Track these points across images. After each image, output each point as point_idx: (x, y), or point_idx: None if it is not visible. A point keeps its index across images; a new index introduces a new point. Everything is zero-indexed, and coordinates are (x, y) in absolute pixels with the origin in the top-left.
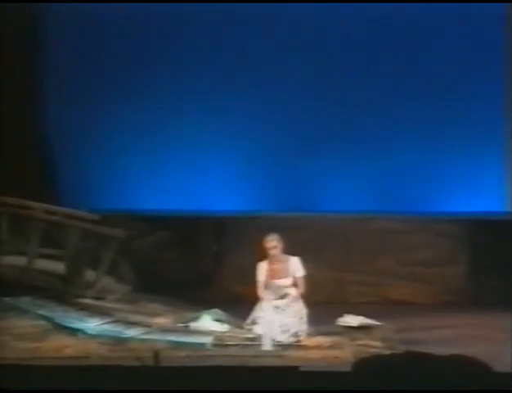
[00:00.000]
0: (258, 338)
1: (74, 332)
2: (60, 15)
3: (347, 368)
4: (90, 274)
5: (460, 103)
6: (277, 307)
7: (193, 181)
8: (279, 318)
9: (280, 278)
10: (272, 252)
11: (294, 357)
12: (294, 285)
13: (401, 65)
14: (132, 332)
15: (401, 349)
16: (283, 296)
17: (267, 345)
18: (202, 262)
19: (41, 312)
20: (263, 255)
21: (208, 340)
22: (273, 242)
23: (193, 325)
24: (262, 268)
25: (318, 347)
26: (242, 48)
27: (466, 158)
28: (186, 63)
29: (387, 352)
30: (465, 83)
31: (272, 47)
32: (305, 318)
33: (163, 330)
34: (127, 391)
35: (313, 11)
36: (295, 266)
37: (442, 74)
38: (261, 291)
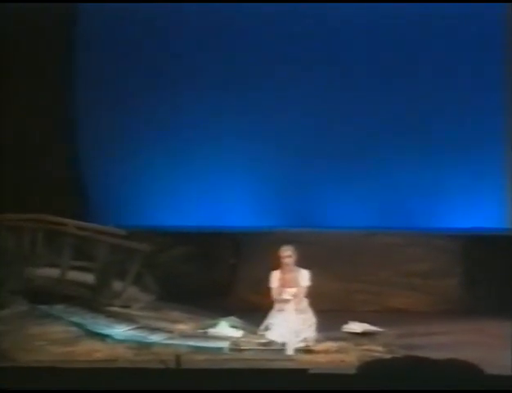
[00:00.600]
0: (270, 343)
1: (103, 337)
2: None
3: (352, 371)
4: (117, 285)
5: (459, 117)
6: (288, 314)
7: (212, 199)
8: (290, 325)
9: (290, 287)
10: (286, 261)
11: (304, 360)
12: (306, 294)
13: (403, 82)
14: (155, 338)
15: (401, 353)
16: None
17: (289, 350)
18: (220, 274)
19: (73, 319)
20: (277, 265)
21: (225, 345)
22: (288, 252)
23: (211, 331)
24: (275, 277)
25: (326, 351)
26: (256, 70)
27: (463, 178)
28: (204, 86)
29: (388, 356)
30: (465, 87)
31: (284, 68)
32: (314, 326)
33: (184, 336)
34: (135, 392)
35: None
36: (304, 277)
37: (442, 78)
38: (274, 296)
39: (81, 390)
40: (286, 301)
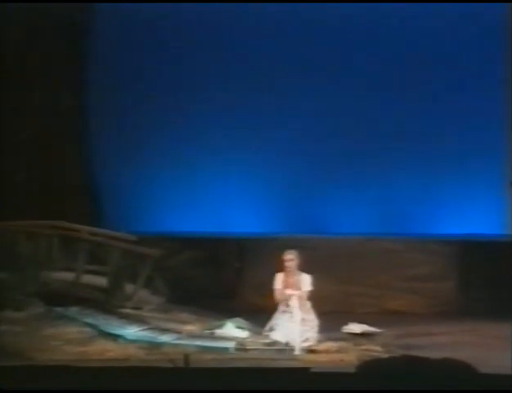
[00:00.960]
0: (274, 343)
1: (115, 337)
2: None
3: (351, 370)
4: (129, 288)
5: (458, 126)
6: (291, 315)
7: (218, 206)
8: (293, 326)
9: (293, 290)
10: (289, 264)
11: (306, 360)
12: (308, 297)
13: (404, 94)
14: (165, 338)
15: (399, 353)
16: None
17: (297, 350)
18: (226, 277)
19: (87, 320)
20: (281, 269)
21: (231, 345)
22: (291, 256)
23: (218, 332)
24: (279, 279)
25: (327, 351)
26: (259, 81)
27: (459, 186)
28: (211, 99)
29: (386, 356)
30: (465, 94)
31: (287, 79)
32: (316, 328)
33: (192, 336)
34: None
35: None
36: (306, 281)
37: (442, 79)
38: (277, 298)
39: (51, 390)
40: (289, 303)
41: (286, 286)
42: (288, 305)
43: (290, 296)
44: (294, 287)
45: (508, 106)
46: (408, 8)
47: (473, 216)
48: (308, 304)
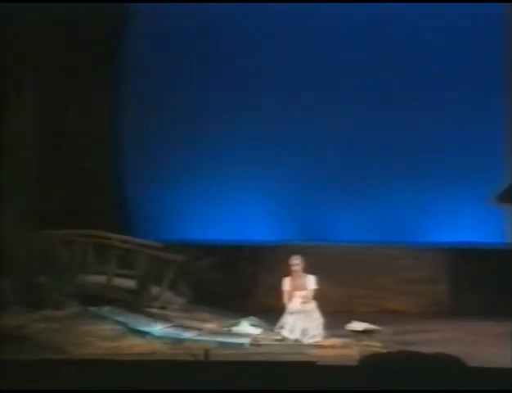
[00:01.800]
0: (285, 339)
1: (142, 334)
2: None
3: (354, 363)
4: (155, 290)
5: (454, 143)
6: (299, 314)
7: (235, 217)
8: (301, 324)
9: (299, 291)
10: (295, 268)
11: (313, 354)
12: (313, 298)
13: (401, 114)
14: (187, 335)
15: (396, 348)
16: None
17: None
18: (241, 281)
19: (117, 318)
20: (288, 272)
21: (246, 341)
22: (296, 261)
23: (234, 329)
24: (287, 282)
25: (331, 347)
26: (274, 103)
27: (452, 200)
28: (227, 120)
29: (385, 351)
30: (465, 97)
31: (293, 105)
32: (321, 325)
33: (212, 333)
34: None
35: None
36: (311, 282)
37: (442, 85)
38: (285, 299)
39: (55, 389)
40: (297, 303)
41: (294, 288)
42: (296, 305)
43: (297, 298)
44: (301, 288)
45: (508, 114)
46: (407, 8)
47: (462, 226)
48: (314, 304)
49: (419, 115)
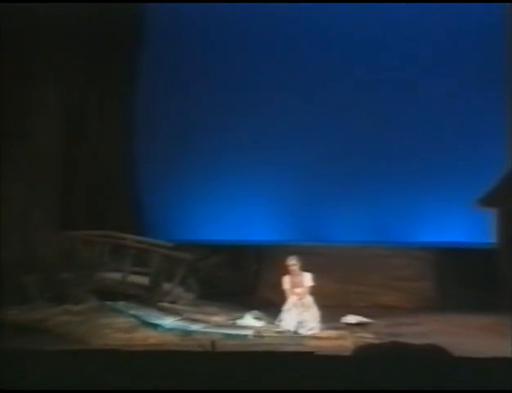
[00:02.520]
0: (285, 331)
1: (155, 326)
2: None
3: (348, 353)
4: (166, 286)
5: (450, 148)
6: (297, 308)
7: (240, 219)
8: (299, 317)
9: (298, 287)
10: (292, 268)
11: (311, 345)
12: (310, 294)
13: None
14: (195, 327)
15: (387, 339)
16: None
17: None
18: (245, 278)
19: (132, 312)
20: (286, 272)
21: (250, 332)
22: (293, 262)
23: (239, 322)
24: (286, 280)
25: (328, 338)
26: (275, 109)
27: (439, 204)
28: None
29: (377, 342)
30: (457, 102)
31: (299, 105)
32: (318, 318)
33: (218, 325)
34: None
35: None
36: (307, 279)
37: (440, 88)
38: (285, 294)
39: (53, 389)
40: (295, 298)
41: (292, 285)
42: (295, 300)
43: (295, 294)
44: (299, 285)
45: (508, 119)
46: (407, 8)
47: (448, 228)
48: (311, 299)
49: (412, 121)
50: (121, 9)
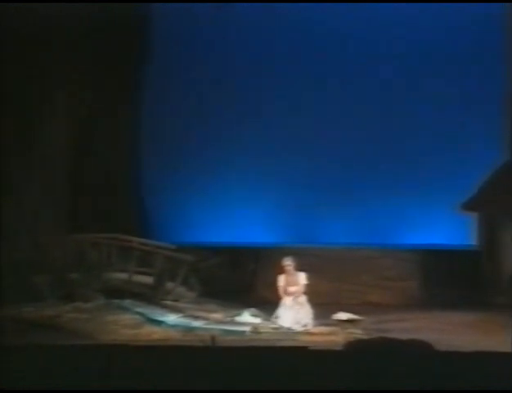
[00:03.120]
0: (280, 328)
1: (159, 323)
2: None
3: (339, 348)
4: (169, 285)
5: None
6: (292, 306)
7: (238, 223)
8: (294, 314)
9: (293, 286)
10: (287, 268)
11: (304, 340)
12: (304, 292)
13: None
14: (197, 324)
15: (375, 335)
16: (294, 297)
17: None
18: (243, 277)
19: (137, 310)
20: (282, 271)
21: (247, 329)
22: (288, 262)
23: (237, 319)
24: (281, 279)
25: (320, 334)
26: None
27: (424, 208)
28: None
29: (366, 337)
30: (447, 106)
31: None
32: (311, 315)
33: (218, 322)
34: None
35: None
36: (302, 278)
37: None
38: (281, 293)
39: (51, 389)
40: (290, 296)
41: (287, 283)
42: (289, 298)
43: (290, 292)
44: (294, 284)
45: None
46: (407, 8)
47: (434, 231)
48: (305, 298)
49: (402, 128)
50: (125, 15)
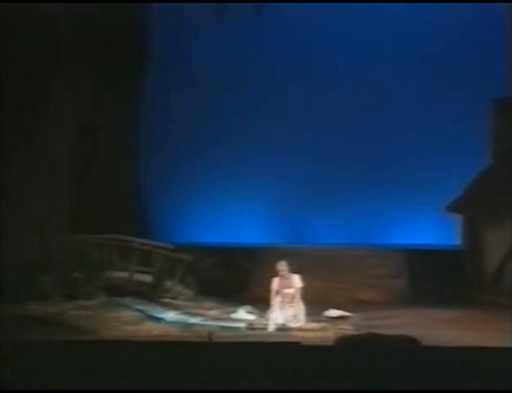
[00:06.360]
0: (274, 324)
1: (158, 320)
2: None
3: (330, 343)
4: (168, 283)
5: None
6: (284, 305)
7: (234, 224)
8: (286, 312)
9: (287, 288)
10: (281, 272)
11: (297, 336)
12: (296, 293)
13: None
14: (194, 320)
15: (364, 331)
16: (289, 299)
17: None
18: (238, 276)
19: (137, 307)
20: (276, 274)
21: (242, 325)
22: (282, 266)
23: (233, 316)
24: (275, 282)
25: (312, 330)
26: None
27: (410, 209)
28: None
29: (356, 333)
30: (437, 109)
31: (282, 117)
32: (303, 312)
33: (214, 319)
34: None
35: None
36: (296, 281)
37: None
38: (273, 297)
39: (51, 389)
40: (284, 298)
41: (281, 286)
42: (283, 298)
43: (284, 293)
44: (288, 286)
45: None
46: (407, 8)
47: (419, 231)
48: (298, 296)
49: (390, 130)
50: (125, 15)
